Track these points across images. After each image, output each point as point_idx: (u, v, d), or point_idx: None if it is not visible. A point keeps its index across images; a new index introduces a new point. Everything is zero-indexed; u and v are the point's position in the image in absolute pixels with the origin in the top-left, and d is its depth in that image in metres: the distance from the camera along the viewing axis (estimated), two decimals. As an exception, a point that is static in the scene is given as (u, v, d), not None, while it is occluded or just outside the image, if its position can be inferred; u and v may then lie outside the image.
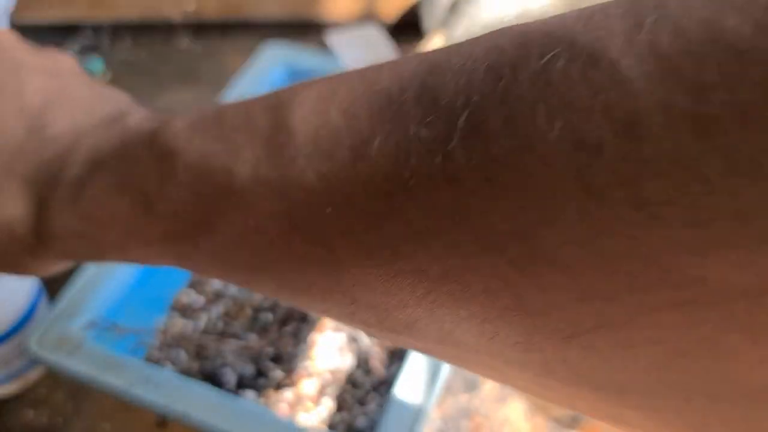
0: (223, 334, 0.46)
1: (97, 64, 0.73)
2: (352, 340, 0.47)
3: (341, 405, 0.44)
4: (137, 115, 0.24)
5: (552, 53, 0.12)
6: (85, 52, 0.75)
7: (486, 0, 0.79)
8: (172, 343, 0.46)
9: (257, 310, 0.49)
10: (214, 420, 0.36)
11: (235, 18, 0.80)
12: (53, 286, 0.53)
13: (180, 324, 0.48)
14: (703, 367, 0.11)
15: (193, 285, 0.50)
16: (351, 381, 0.45)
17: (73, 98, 0.25)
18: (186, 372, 0.44)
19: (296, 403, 0.43)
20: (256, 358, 0.44)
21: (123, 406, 0.46)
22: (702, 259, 0.10)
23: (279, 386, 0.44)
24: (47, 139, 0.24)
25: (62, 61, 0.27)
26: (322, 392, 0.44)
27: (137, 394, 0.37)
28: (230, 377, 0.45)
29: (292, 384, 0.44)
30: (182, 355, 0.45)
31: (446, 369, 0.38)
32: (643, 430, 0.14)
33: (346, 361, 0.46)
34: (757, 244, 0.10)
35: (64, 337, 0.39)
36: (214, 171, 0.19)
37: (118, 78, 0.73)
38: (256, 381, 0.45)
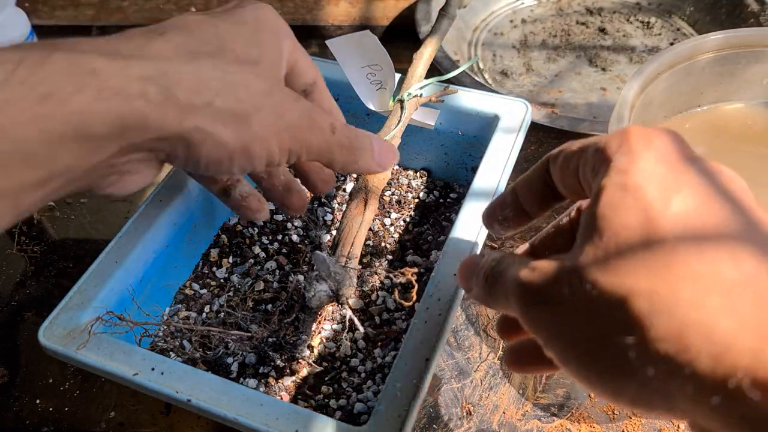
0: (225, 325, 0.47)
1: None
2: (350, 329, 0.48)
3: (339, 392, 0.45)
4: None
5: None
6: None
7: (476, 3, 0.80)
8: (177, 333, 0.47)
9: (258, 301, 0.50)
10: (217, 407, 0.37)
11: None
12: (62, 281, 0.55)
13: (184, 315, 0.49)
14: None
15: (197, 278, 0.52)
16: (348, 369, 0.46)
17: None
18: (190, 361, 0.45)
19: (296, 391, 0.45)
20: (257, 348, 0.45)
21: (129, 394, 0.48)
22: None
23: (279, 374, 0.45)
24: None
25: None
26: (320, 380, 0.46)
27: (143, 383, 0.38)
28: (232, 366, 0.46)
29: (292, 372, 0.45)
30: (186, 345, 0.47)
31: (438, 357, 0.39)
32: None
33: (343, 350, 0.47)
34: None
35: (73, 327, 0.41)
36: None
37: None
38: (258, 369, 0.46)
